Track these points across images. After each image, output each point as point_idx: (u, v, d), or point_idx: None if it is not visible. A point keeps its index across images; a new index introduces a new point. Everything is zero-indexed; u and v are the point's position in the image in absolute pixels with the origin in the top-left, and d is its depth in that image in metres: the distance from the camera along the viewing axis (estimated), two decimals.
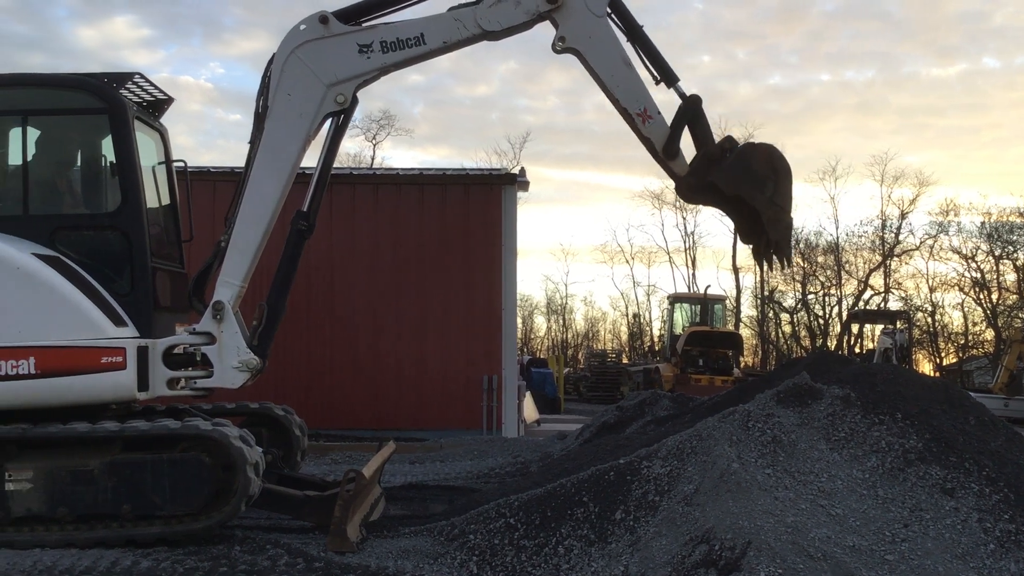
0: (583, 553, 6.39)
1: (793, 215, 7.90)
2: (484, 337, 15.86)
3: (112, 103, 7.70)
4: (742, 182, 7.61)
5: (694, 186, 7.79)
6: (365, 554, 6.79)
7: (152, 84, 8.29)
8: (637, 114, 7.74)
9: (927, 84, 72.14)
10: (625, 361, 46.28)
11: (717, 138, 7.86)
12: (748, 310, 52.45)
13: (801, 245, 48.26)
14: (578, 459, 9.05)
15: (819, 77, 75.61)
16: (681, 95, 7.79)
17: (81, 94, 7.76)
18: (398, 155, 67.79)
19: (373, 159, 48.23)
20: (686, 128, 7.78)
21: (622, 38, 7.83)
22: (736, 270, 50.06)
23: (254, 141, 7.84)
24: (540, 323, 68.09)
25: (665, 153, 7.76)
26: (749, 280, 51.82)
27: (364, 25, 7.82)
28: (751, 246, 8.10)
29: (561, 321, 66.68)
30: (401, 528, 7.57)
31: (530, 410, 19.48)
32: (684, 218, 53.91)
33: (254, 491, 7.05)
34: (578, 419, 22.40)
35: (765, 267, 8.22)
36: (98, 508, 6.96)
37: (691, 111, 7.73)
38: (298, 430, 9.28)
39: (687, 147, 7.85)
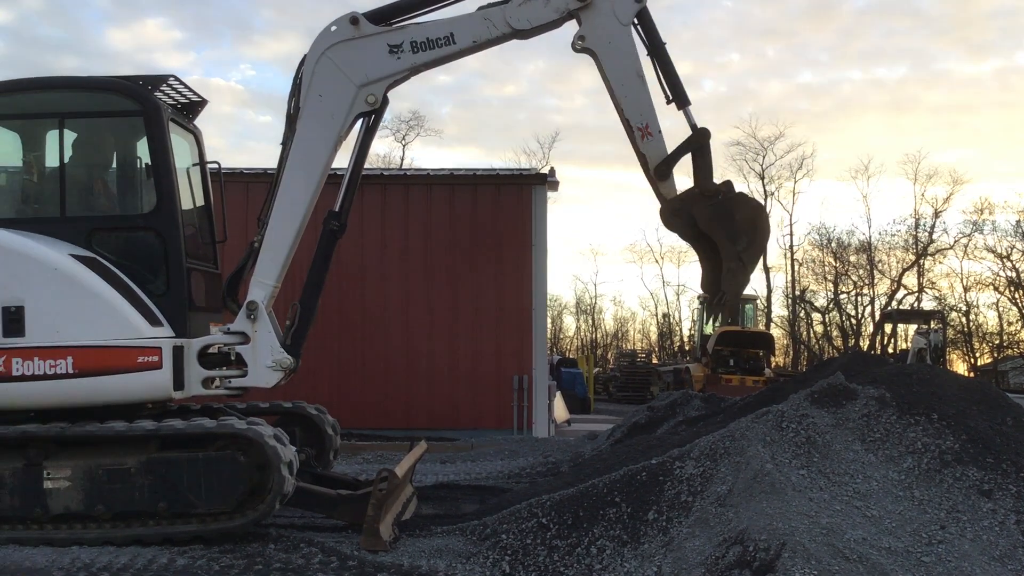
0: (616, 553, 6.38)
1: (752, 276, 7.96)
2: (514, 337, 15.87)
3: (147, 105, 7.79)
4: (720, 226, 7.60)
5: (676, 211, 7.72)
6: (398, 553, 6.82)
7: (186, 86, 8.38)
8: (638, 128, 7.72)
9: (960, 81, 71.33)
10: (655, 361, 46.11)
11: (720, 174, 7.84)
12: (779, 310, 52.13)
13: (833, 244, 47.93)
14: (609, 459, 9.02)
15: (850, 75, 74.92)
16: (692, 125, 7.75)
17: (117, 97, 7.85)
18: (427, 156, 68.03)
19: (403, 160, 48.48)
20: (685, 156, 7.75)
21: (643, 51, 7.79)
22: (767, 269, 49.69)
23: (286, 142, 7.89)
24: (569, 323, 68.07)
25: (657, 173, 7.73)
26: (780, 279, 51.51)
27: (394, 26, 7.86)
28: (706, 295, 8.02)
29: (590, 321, 66.59)
30: (433, 527, 7.60)
31: (560, 410, 19.46)
32: None
33: (288, 490, 7.10)
34: (608, 419, 22.35)
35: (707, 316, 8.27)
36: (135, 506, 7.04)
37: (697, 144, 7.69)
38: (331, 429, 9.34)
39: (685, 172, 7.84)
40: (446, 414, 15.69)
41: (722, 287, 7.73)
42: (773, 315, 50.58)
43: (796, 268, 49.88)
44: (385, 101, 7.95)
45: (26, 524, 7.08)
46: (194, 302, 7.90)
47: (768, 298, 49.64)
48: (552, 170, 16.58)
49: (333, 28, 7.78)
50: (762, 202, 8.37)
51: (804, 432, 6.93)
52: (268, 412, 9.18)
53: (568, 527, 6.70)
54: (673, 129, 7.77)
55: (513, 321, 15.88)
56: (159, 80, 8.09)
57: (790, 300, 50.63)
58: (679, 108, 7.80)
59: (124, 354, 7.32)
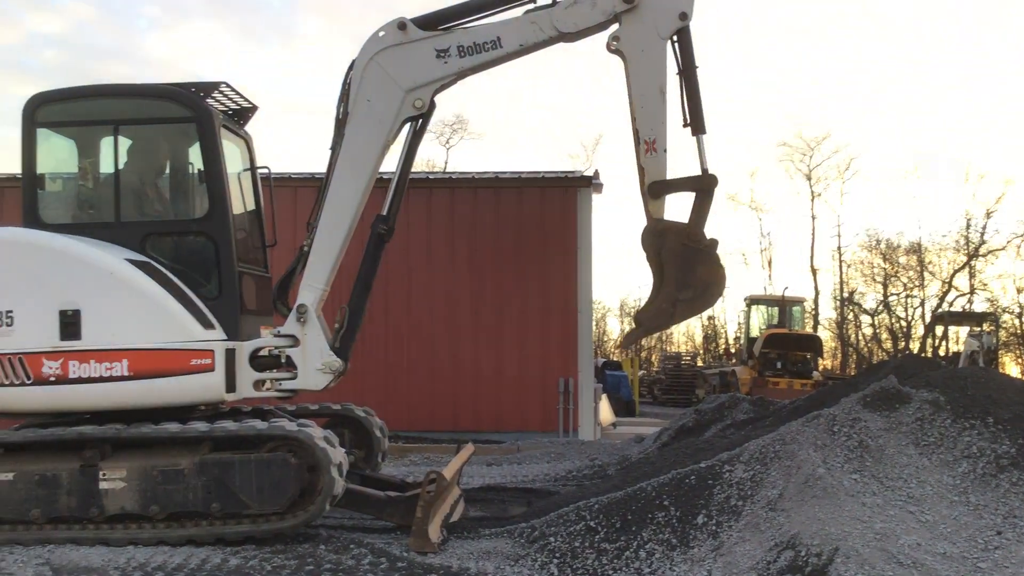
0: (665, 557, 6.35)
1: (665, 328, 7.88)
2: (560, 339, 15.86)
3: (199, 112, 7.91)
4: (678, 267, 7.54)
5: (657, 233, 7.63)
6: (447, 555, 6.85)
7: (237, 93, 8.49)
8: (645, 141, 7.64)
9: (1010, 79, 69.86)
10: (700, 364, 45.78)
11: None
12: (827, 312, 51.50)
13: (882, 246, 47.25)
14: (657, 463, 8.99)
15: (901, 73, 73.77)
16: (703, 167, 7.65)
17: (170, 104, 7.98)
18: (470, 159, 68.08)
19: (446, 163, 48.67)
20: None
21: (673, 67, 7.73)
22: (814, 271, 49.15)
23: (335, 147, 7.96)
24: (613, 326, 67.84)
25: (650, 190, 7.65)
26: (828, 281, 50.88)
27: (441, 30, 7.89)
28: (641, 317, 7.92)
29: (634, 324, 66.21)
30: (481, 529, 7.62)
31: (606, 413, 19.41)
32: (760, 218, 53.05)
33: (338, 491, 7.17)
34: (654, 422, 22.26)
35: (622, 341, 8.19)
36: (188, 506, 7.14)
37: (702, 188, 7.61)
38: (379, 431, 9.41)
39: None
40: (492, 417, 15.72)
41: (643, 318, 7.78)
42: (821, 317, 50.02)
43: (844, 270, 49.26)
44: (432, 105, 7.99)
45: (83, 524, 7.22)
46: (245, 305, 8.01)
47: (816, 300, 49.09)
48: (596, 172, 16.55)
49: (381, 34, 7.84)
50: (726, 275, 8.41)
51: (856, 436, 6.85)
52: (317, 414, 9.28)
53: (616, 530, 6.68)
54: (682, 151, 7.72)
55: (558, 323, 15.87)
56: (211, 87, 8.22)
57: (838, 302, 50.01)
58: (693, 134, 7.73)
59: (178, 357, 7.44)
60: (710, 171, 7.63)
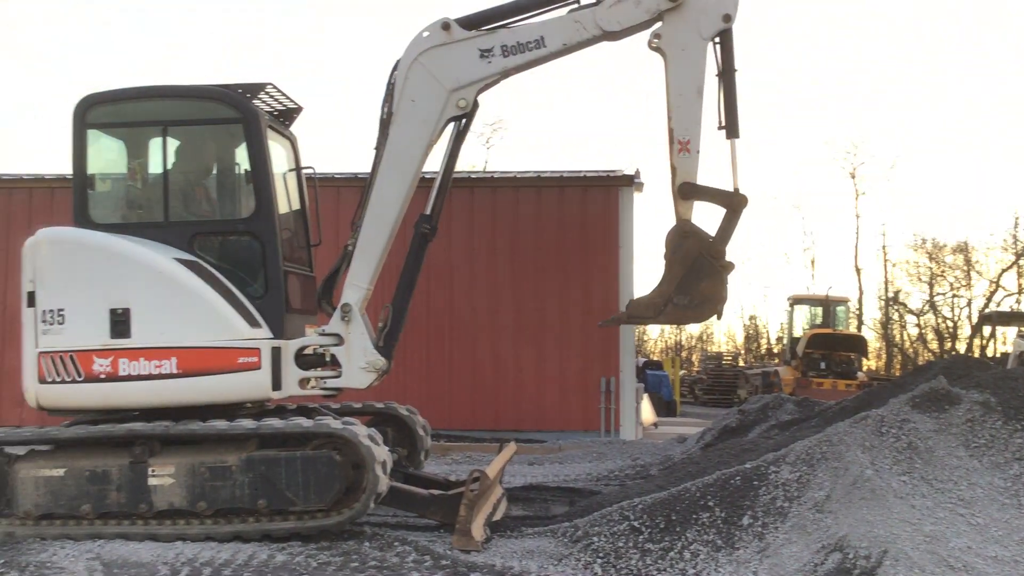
0: (710, 558, 6.31)
1: (648, 322, 7.95)
2: (601, 339, 15.80)
3: (246, 113, 8.00)
4: (685, 273, 7.50)
5: (683, 234, 7.57)
6: (490, 553, 6.86)
7: (283, 93, 8.58)
8: (679, 141, 7.57)
9: None
10: (741, 364, 45.43)
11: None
12: (872, 312, 50.81)
13: (928, 245, 46.53)
14: (701, 463, 8.93)
15: (950, 71, 72.56)
16: (735, 186, 7.57)
17: (217, 105, 8.08)
18: (510, 158, 68.04)
19: (486, 163, 48.70)
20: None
21: (713, 69, 7.66)
22: (858, 270, 48.53)
23: (379, 147, 8.00)
24: (653, 326, 67.50)
25: (680, 191, 7.59)
26: (872, 281, 50.21)
27: (484, 30, 7.91)
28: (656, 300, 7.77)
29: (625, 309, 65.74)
30: (524, 528, 7.63)
31: (647, 413, 19.32)
32: (803, 217, 52.48)
33: (382, 489, 7.21)
34: (695, 422, 22.13)
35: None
36: (235, 503, 7.22)
37: (732, 206, 7.55)
38: (421, 430, 9.45)
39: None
40: (533, 416, 15.71)
41: (632, 305, 7.77)
42: (865, 317, 49.37)
43: (889, 269, 48.58)
44: (476, 105, 8.00)
45: (132, 519, 7.33)
46: (291, 304, 8.08)
47: (860, 300, 48.47)
48: (637, 171, 16.46)
49: (425, 34, 7.86)
50: (726, 299, 8.27)
51: (905, 437, 6.76)
52: (361, 412, 9.35)
53: (660, 531, 6.65)
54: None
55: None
56: (257, 88, 8.31)
57: (883, 302, 49.35)
58: (728, 138, 7.67)
59: (225, 355, 7.53)
60: (741, 190, 7.56)
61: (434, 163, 8.16)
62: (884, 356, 48.69)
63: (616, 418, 15.64)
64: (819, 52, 74.44)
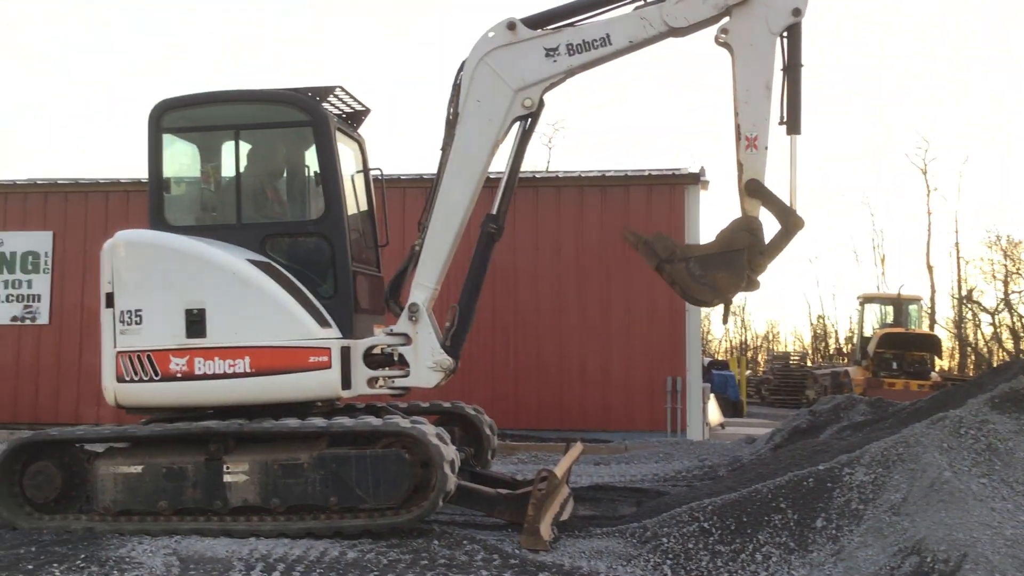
0: (782, 561, 6.23)
1: (651, 260, 7.71)
2: (667, 338, 15.69)
3: (316, 116, 8.11)
4: (715, 256, 7.46)
5: (744, 225, 7.49)
6: (558, 553, 6.86)
7: (352, 96, 8.67)
8: (746, 137, 7.48)
9: None
10: (809, 364, 44.67)
11: None
12: (945, 311, 49.62)
13: (1003, 242, 45.29)
14: (771, 464, 8.80)
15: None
16: (793, 208, 7.42)
17: (288, 108, 8.20)
18: (572, 158, 67.85)
19: (548, 163, 48.64)
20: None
21: (779, 63, 7.56)
22: (930, 268, 47.43)
23: (445, 147, 8.03)
24: (717, 325, 66.81)
25: (747, 188, 7.49)
26: (945, 279, 49.07)
27: (550, 29, 7.90)
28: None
29: (739, 322, 65.16)
30: (592, 529, 7.60)
31: (714, 413, 19.13)
32: (873, 214, 51.33)
33: (450, 487, 7.24)
34: (763, 423, 21.84)
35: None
36: (307, 500, 7.32)
37: (787, 227, 7.43)
38: (488, 429, 9.48)
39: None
40: (599, 415, 15.66)
41: (657, 235, 7.66)
42: (938, 316, 48.22)
43: (962, 267, 47.39)
44: (541, 104, 7.99)
45: (207, 516, 7.48)
46: (359, 304, 8.17)
47: (932, 298, 47.35)
48: (703, 169, 16.30)
49: (491, 34, 7.88)
50: (724, 302, 8.12)
51: (984, 439, 6.58)
52: (428, 411, 9.41)
53: (731, 532, 6.58)
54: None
55: (666, 322, 15.70)
56: (327, 91, 8.41)
57: (956, 300, 48.16)
58: (788, 133, 7.56)
59: (297, 354, 7.65)
60: (797, 215, 7.44)
61: (499, 163, 8.18)
62: (957, 356, 47.52)
63: (683, 418, 15.51)
64: (890, 44, 72.94)
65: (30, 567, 6.34)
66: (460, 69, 7.98)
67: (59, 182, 17.03)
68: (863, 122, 73.30)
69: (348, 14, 76.39)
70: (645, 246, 7.68)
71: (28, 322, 16.53)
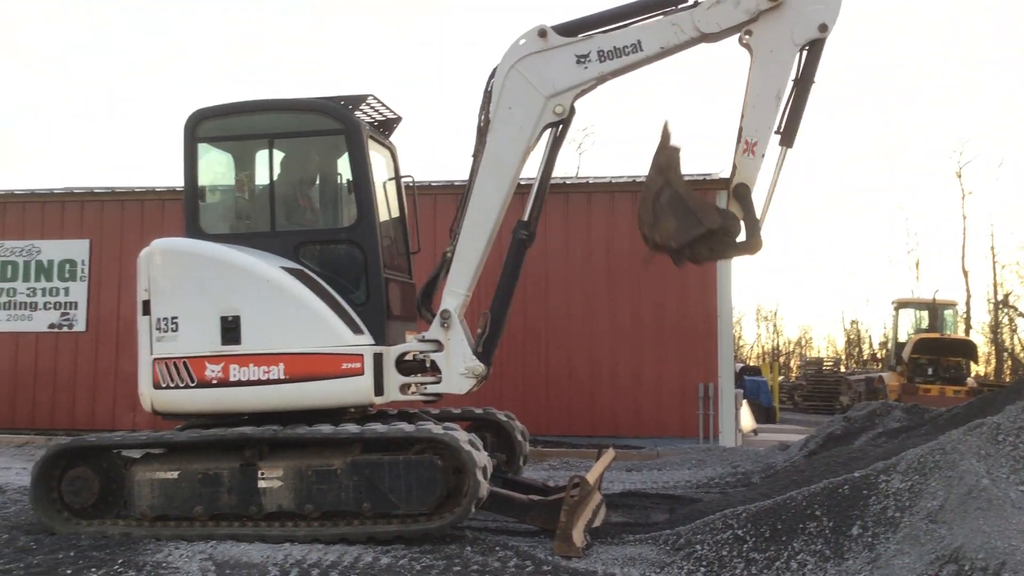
0: (817, 568, 6.17)
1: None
2: (699, 344, 15.61)
3: (349, 125, 8.17)
4: (683, 210, 7.50)
5: (722, 211, 7.57)
6: (591, 560, 6.85)
7: (384, 104, 8.73)
8: (746, 141, 7.49)
9: None
10: (842, 369, 44.27)
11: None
12: (981, 316, 48.95)
13: None
14: (806, 471, 8.74)
15: None
16: (759, 236, 7.55)
17: (320, 117, 8.27)
18: (603, 164, 67.77)
19: (579, 168, 48.60)
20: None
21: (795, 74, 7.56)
22: (966, 273, 46.84)
23: (476, 154, 8.05)
24: (749, 331, 66.37)
25: (734, 192, 7.54)
26: (981, 283, 48.41)
27: (581, 36, 7.91)
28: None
29: (771, 327, 64.68)
30: (625, 535, 7.59)
31: (747, 419, 18.99)
32: (907, 219, 50.69)
33: (483, 494, 7.25)
34: (796, 429, 21.66)
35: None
36: (341, 506, 7.36)
37: (750, 244, 7.56)
38: (520, 436, 9.48)
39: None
40: (630, 421, 15.59)
41: (671, 150, 7.61)
42: (974, 321, 47.61)
43: (999, 271, 46.75)
44: (572, 111, 8.00)
45: (242, 521, 7.54)
46: (391, 311, 8.21)
47: (968, 303, 46.77)
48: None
49: (522, 42, 7.90)
50: (651, 245, 8.15)
51: (1023, 445, 6.49)
52: (460, 417, 9.42)
53: (766, 540, 6.54)
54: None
55: (698, 328, 15.62)
56: (359, 100, 8.48)
57: (992, 305, 47.51)
58: (781, 144, 7.58)
59: (330, 361, 7.69)
60: (760, 240, 7.56)
61: (530, 170, 8.20)
62: (994, 361, 46.88)
63: (715, 424, 15.40)
64: (923, 47, 72.24)
65: (68, 572, 6.43)
66: (491, 76, 8.01)
67: (95, 191, 17.27)
68: (895, 124, 72.65)
69: (348, 14, 77.00)
70: (663, 140, 7.66)
71: (65, 329, 16.76)
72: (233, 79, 74.70)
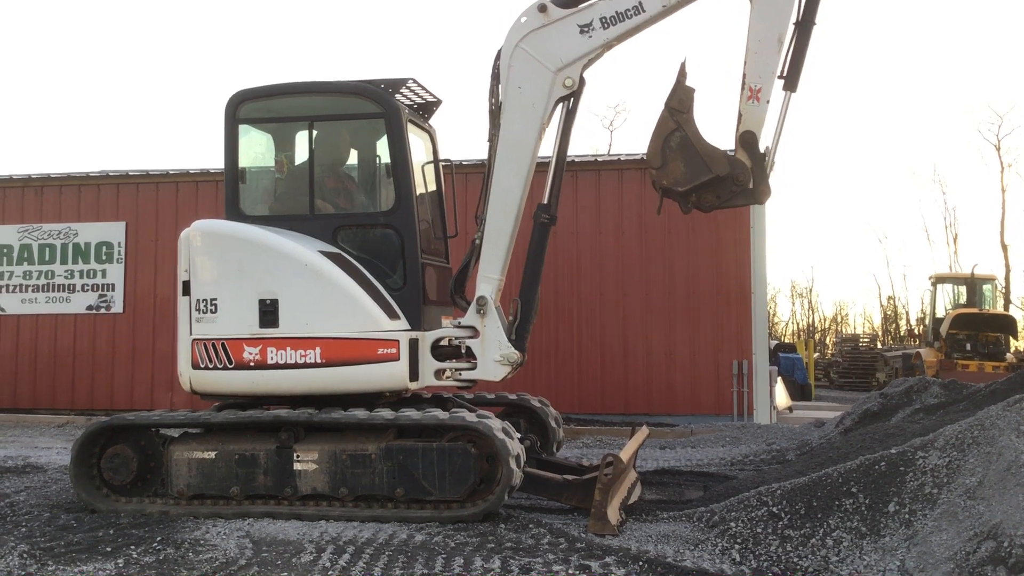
0: (854, 546, 6.12)
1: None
2: (733, 321, 15.53)
3: (389, 108, 8.16)
4: (692, 157, 7.49)
5: (731, 159, 7.52)
6: (625, 537, 6.85)
7: (423, 88, 8.70)
8: (750, 88, 7.41)
9: None
10: (879, 346, 43.83)
11: None
12: (1020, 290, 48.27)
13: None
14: (842, 448, 8.66)
15: None
16: (767, 183, 7.56)
17: (361, 100, 8.26)
18: (635, 141, 67.18)
19: (610, 146, 48.38)
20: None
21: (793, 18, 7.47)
22: (1005, 247, 46.14)
23: (492, 138, 8.02)
24: (784, 308, 65.82)
25: (741, 139, 7.46)
26: (1021, 257, 47.65)
27: (582, 6, 7.81)
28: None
29: (806, 304, 64.12)
30: (659, 513, 7.58)
31: (782, 396, 18.87)
32: (944, 192, 49.93)
33: (516, 482, 7.27)
34: (832, 406, 21.49)
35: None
36: (374, 490, 7.40)
37: (757, 192, 7.60)
38: (553, 422, 9.45)
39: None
40: (664, 399, 15.56)
41: (684, 91, 7.57)
42: (1013, 296, 46.92)
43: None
44: (582, 82, 7.94)
45: (278, 501, 7.61)
46: (427, 296, 8.21)
47: (1007, 277, 46.07)
48: (767, 148, 16.03)
49: (523, 19, 7.84)
50: (660, 187, 8.08)
51: None
52: (493, 403, 9.41)
53: (801, 517, 6.48)
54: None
55: (732, 305, 15.53)
56: (399, 83, 8.45)
57: None
58: (784, 89, 7.51)
59: (367, 346, 7.73)
60: (771, 179, 7.59)
61: (545, 148, 8.16)
62: None
63: (749, 402, 15.35)
64: (959, 15, 70.90)
65: (108, 549, 6.54)
66: (497, 58, 7.95)
67: (130, 174, 17.43)
68: (934, 93, 71.46)
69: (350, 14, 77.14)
70: (678, 80, 7.62)
71: (103, 311, 16.98)
72: (233, 78, 75.38)
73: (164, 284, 16.64)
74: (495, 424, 7.34)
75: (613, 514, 7.09)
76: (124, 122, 75.60)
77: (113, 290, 17.00)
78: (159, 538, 6.80)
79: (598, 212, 15.98)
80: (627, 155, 16.78)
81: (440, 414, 7.52)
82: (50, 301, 17.13)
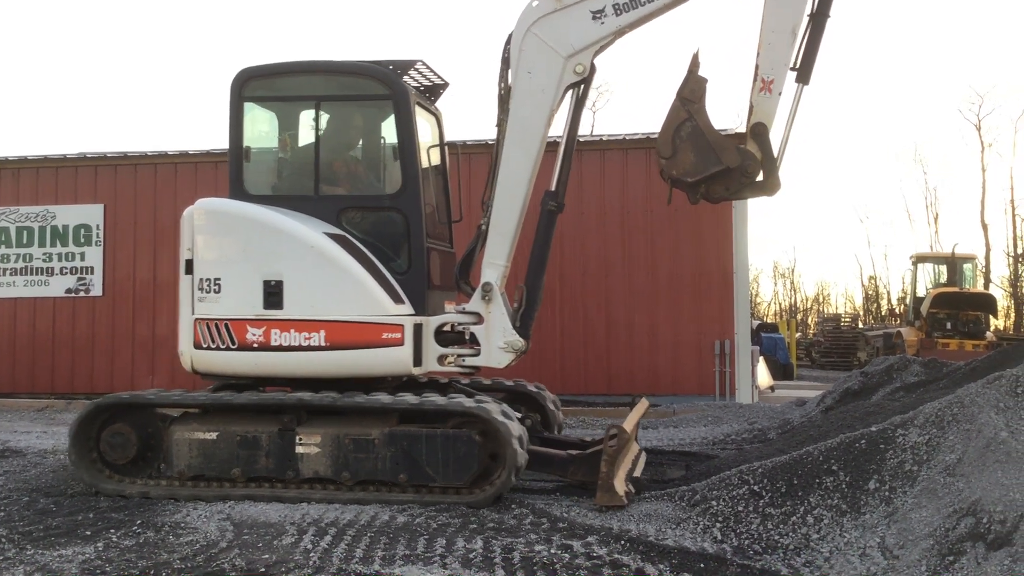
0: (834, 523, 6.15)
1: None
2: (715, 301, 15.56)
3: (396, 90, 8.07)
4: (702, 146, 7.52)
5: (740, 149, 7.53)
6: (607, 516, 6.86)
7: (431, 70, 8.62)
8: (763, 79, 7.40)
9: None
10: (860, 325, 44.09)
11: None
12: (1000, 269, 48.59)
13: None
14: (823, 426, 8.71)
15: None
16: (776, 176, 7.54)
17: (368, 81, 8.19)
18: (618, 122, 67.07)
19: (592, 127, 48.24)
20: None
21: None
22: (985, 226, 46.40)
23: (500, 123, 7.94)
24: (766, 288, 66.16)
25: (752, 131, 7.46)
26: (1000, 237, 47.97)
27: None
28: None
29: (788, 284, 64.44)
30: (641, 492, 7.58)
31: (764, 376, 18.96)
32: (925, 172, 50.07)
33: (520, 463, 7.24)
34: (813, 385, 21.62)
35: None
36: (377, 475, 7.35)
37: (767, 184, 7.57)
38: (552, 405, 9.40)
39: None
40: (646, 379, 15.58)
41: (697, 80, 7.59)
42: (993, 275, 47.26)
43: (1018, 224, 46.29)
44: (593, 69, 7.88)
45: (284, 484, 7.54)
46: (432, 280, 8.15)
47: (987, 257, 46.38)
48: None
49: (535, 3, 7.76)
50: (669, 177, 8.10)
51: None
52: (490, 389, 9.31)
53: (782, 495, 6.51)
54: None
55: (714, 285, 15.57)
56: (407, 65, 8.38)
57: (1011, 258, 47.12)
58: (797, 81, 7.51)
59: (371, 330, 7.68)
60: (781, 172, 7.56)
61: (554, 132, 8.09)
62: (1013, 315, 46.60)
63: (731, 381, 15.41)
64: None
65: (88, 532, 6.49)
66: (507, 42, 7.87)
67: (108, 155, 17.27)
68: (914, 73, 71.69)
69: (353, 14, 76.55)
70: (691, 69, 7.62)
71: (82, 294, 16.85)
72: (231, 72, 74.67)
73: (143, 267, 16.53)
74: (494, 408, 7.31)
75: (620, 485, 7.09)
76: (102, 104, 75.03)
77: (92, 273, 16.86)
78: (139, 521, 6.76)
79: (580, 193, 15.90)
80: (609, 135, 16.74)
81: (438, 399, 7.49)
82: (28, 284, 16.97)
